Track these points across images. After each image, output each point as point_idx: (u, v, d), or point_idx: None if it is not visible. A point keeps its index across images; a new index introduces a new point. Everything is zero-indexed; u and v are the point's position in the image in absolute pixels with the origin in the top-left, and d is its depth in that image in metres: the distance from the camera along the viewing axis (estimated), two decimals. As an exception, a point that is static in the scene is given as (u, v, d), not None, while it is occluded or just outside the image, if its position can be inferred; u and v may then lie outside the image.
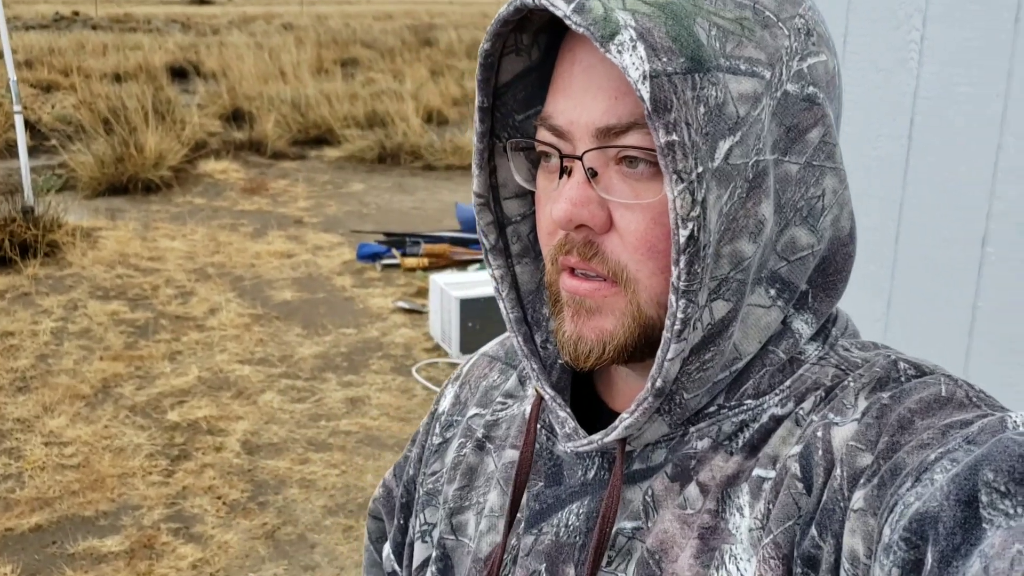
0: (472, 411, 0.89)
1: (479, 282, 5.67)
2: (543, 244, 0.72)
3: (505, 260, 0.78)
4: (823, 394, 0.68)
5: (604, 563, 0.70)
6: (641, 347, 0.68)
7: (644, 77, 0.59)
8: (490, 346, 0.96)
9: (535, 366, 0.76)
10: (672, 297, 0.63)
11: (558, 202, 0.65)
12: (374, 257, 7.44)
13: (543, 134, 0.68)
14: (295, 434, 4.58)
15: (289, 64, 16.25)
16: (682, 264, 0.62)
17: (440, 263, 7.24)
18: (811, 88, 0.68)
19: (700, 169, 0.61)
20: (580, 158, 0.65)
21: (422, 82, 15.49)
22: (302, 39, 21.39)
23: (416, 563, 0.88)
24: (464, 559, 0.82)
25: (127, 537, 3.68)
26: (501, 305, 0.78)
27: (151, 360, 5.42)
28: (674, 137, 0.59)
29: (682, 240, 0.61)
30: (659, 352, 0.65)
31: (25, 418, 4.68)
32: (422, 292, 6.62)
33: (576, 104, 0.65)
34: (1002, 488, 0.45)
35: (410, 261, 7.21)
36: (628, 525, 0.70)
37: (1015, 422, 0.52)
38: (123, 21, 33.45)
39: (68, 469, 4.19)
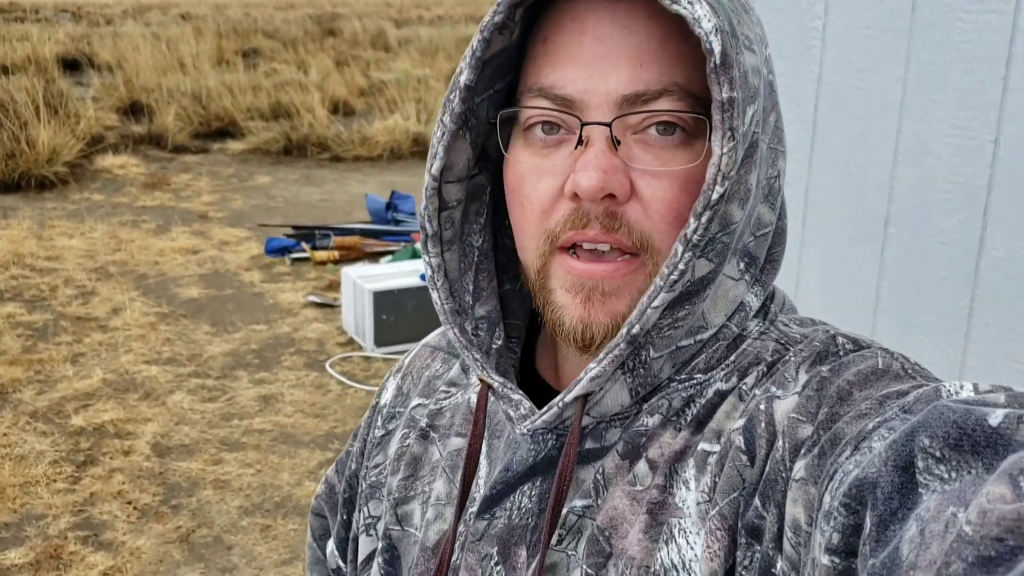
0: (415, 401, 0.88)
1: (392, 274, 5.62)
2: (532, 224, 0.69)
3: (439, 248, 0.75)
4: (765, 369, 0.69)
5: (555, 542, 0.70)
6: None
7: (716, 30, 0.59)
8: (431, 336, 0.95)
9: (477, 355, 0.75)
10: (679, 246, 0.63)
11: (585, 171, 0.63)
12: (283, 251, 7.30)
13: (542, 103, 0.66)
14: (207, 434, 4.46)
15: (188, 55, 15.80)
16: (704, 219, 0.62)
17: (351, 256, 7.15)
18: (771, 75, 0.70)
19: (743, 130, 0.62)
20: (609, 125, 0.64)
21: (327, 72, 15.26)
22: (201, 29, 20.82)
23: (361, 557, 0.87)
24: (411, 549, 0.81)
25: (32, 548, 3.53)
26: (435, 295, 0.76)
27: (52, 363, 5.21)
28: (735, 94, 0.60)
29: (714, 196, 0.62)
30: (644, 298, 0.65)
31: (-84, 429, 4.45)
32: (333, 286, 6.53)
33: (591, 73, 0.64)
34: (937, 454, 0.46)
35: (320, 254, 7.11)
36: (579, 504, 0.70)
37: (949, 391, 0.54)
38: (8, 10, 32.01)
39: (-35, 480, 4.00)
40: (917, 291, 1.80)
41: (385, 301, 5.36)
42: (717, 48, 0.59)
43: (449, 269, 0.76)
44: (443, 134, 0.71)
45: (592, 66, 0.65)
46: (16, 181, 9.07)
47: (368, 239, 7.35)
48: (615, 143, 0.64)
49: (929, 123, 1.73)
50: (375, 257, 7.10)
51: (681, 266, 0.63)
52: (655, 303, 0.64)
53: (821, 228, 2.00)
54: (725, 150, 0.61)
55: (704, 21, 0.59)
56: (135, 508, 3.82)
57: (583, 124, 0.65)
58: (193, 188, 9.63)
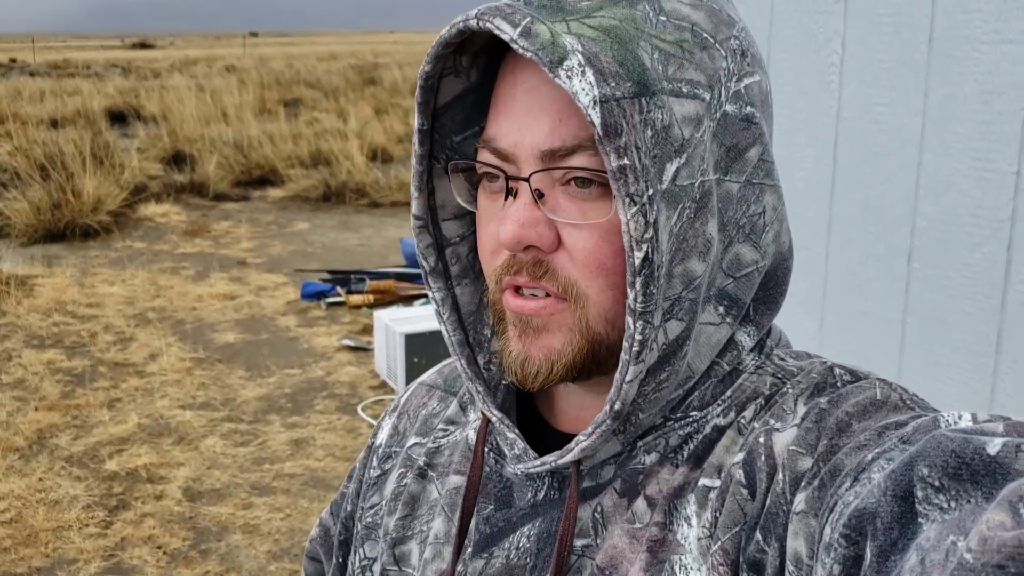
0: (412, 440, 0.88)
1: (424, 317, 5.63)
2: (485, 264, 0.72)
3: (445, 282, 0.77)
4: (763, 402, 0.69)
5: None
6: (588, 365, 0.68)
7: (595, 102, 0.59)
8: (428, 375, 0.95)
9: (480, 388, 0.76)
10: (629, 319, 0.63)
11: (505, 223, 0.65)
12: (319, 296, 7.36)
13: (486, 155, 0.68)
14: (238, 479, 4.47)
15: (231, 105, 16.17)
16: (638, 286, 0.62)
17: (386, 299, 7.18)
18: (748, 108, 0.69)
19: (651, 191, 0.61)
20: (527, 180, 0.65)
21: (366, 120, 15.51)
22: (244, 81, 21.32)
23: None
24: None
25: (62, 593, 3.54)
26: (442, 328, 0.78)
27: (88, 409, 5.28)
28: (625, 161, 0.60)
29: (637, 262, 0.62)
30: (617, 375, 0.65)
31: (-45, 473, 4.51)
32: (368, 329, 6.55)
33: (520, 126, 0.65)
34: (936, 483, 0.47)
35: (355, 298, 7.15)
36: (578, 543, 0.70)
37: (947, 421, 0.54)
38: (61, 67, 33.08)
39: None
40: (943, 327, 1.75)
41: (416, 344, 5.36)
42: (597, 120, 0.59)
43: (463, 303, 0.78)
44: (414, 175, 0.74)
45: (520, 119, 0.66)
46: (62, 230, 9.28)
47: (402, 283, 7.39)
48: (538, 196, 0.66)
49: (950, 156, 1.70)
50: (409, 300, 7.13)
51: (638, 336, 0.63)
52: (628, 378, 0.64)
53: (844, 264, 1.97)
54: (629, 216, 0.61)
55: (582, 95, 0.59)
56: (164, 553, 3.82)
57: (507, 178, 0.67)
58: (233, 235, 9.77)
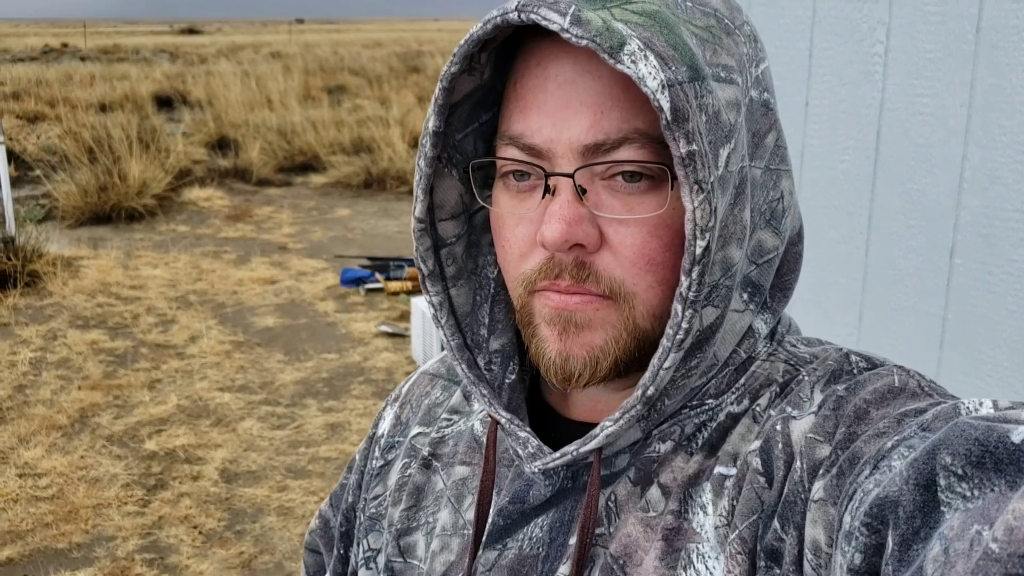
0: (415, 430, 0.86)
1: (461, 305, 5.64)
2: (512, 266, 0.68)
3: (442, 285, 0.75)
4: (778, 389, 0.68)
5: (568, 572, 0.68)
6: (632, 362, 0.67)
7: (663, 86, 0.57)
8: (430, 364, 0.93)
9: (485, 391, 0.74)
10: (678, 306, 0.62)
11: (550, 222, 0.62)
12: (358, 282, 7.40)
13: (512, 153, 0.66)
14: (274, 461, 4.52)
15: (276, 92, 16.30)
16: (694, 275, 0.61)
17: (424, 287, 7.20)
18: (766, 94, 0.68)
19: (712, 178, 0.60)
20: (572, 176, 0.63)
21: (409, 108, 15.55)
22: (290, 67, 21.48)
23: None
24: None
25: (100, 569, 3.61)
26: (441, 332, 0.75)
27: (130, 389, 5.36)
28: (694, 147, 0.58)
29: (699, 251, 0.60)
30: (655, 360, 0.64)
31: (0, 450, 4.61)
32: (405, 316, 6.58)
33: (555, 121, 0.63)
34: (959, 471, 0.46)
35: (394, 285, 7.18)
36: None
37: (968, 408, 0.53)
38: (111, 52, 33.60)
39: (42, 501, 4.12)
40: (984, 324, 1.71)
41: (453, 332, 5.37)
42: (667, 105, 0.57)
43: (458, 304, 0.76)
44: (420, 177, 0.70)
45: (556, 114, 0.63)
46: (108, 213, 9.43)
47: (441, 271, 7.40)
48: (581, 192, 0.63)
49: (995, 149, 1.65)
50: (447, 289, 7.14)
51: (684, 324, 0.62)
52: (666, 364, 0.63)
53: (885, 258, 1.93)
54: (696, 204, 0.59)
55: (649, 79, 0.57)
56: (200, 533, 3.88)
57: (547, 175, 0.64)
58: (274, 220, 9.86)
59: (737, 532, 0.62)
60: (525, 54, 0.66)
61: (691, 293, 0.61)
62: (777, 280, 0.73)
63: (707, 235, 0.60)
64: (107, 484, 4.27)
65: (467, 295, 0.76)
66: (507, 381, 0.76)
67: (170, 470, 4.42)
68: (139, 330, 6.35)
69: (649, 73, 0.57)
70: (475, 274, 0.77)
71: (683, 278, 0.61)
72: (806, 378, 0.67)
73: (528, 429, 0.72)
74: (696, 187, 0.59)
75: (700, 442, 0.68)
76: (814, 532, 0.56)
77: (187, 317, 6.63)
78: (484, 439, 0.81)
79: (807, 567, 0.57)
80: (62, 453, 4.57)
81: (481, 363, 0.76)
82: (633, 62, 0.57)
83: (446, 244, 0.74)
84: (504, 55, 0.69)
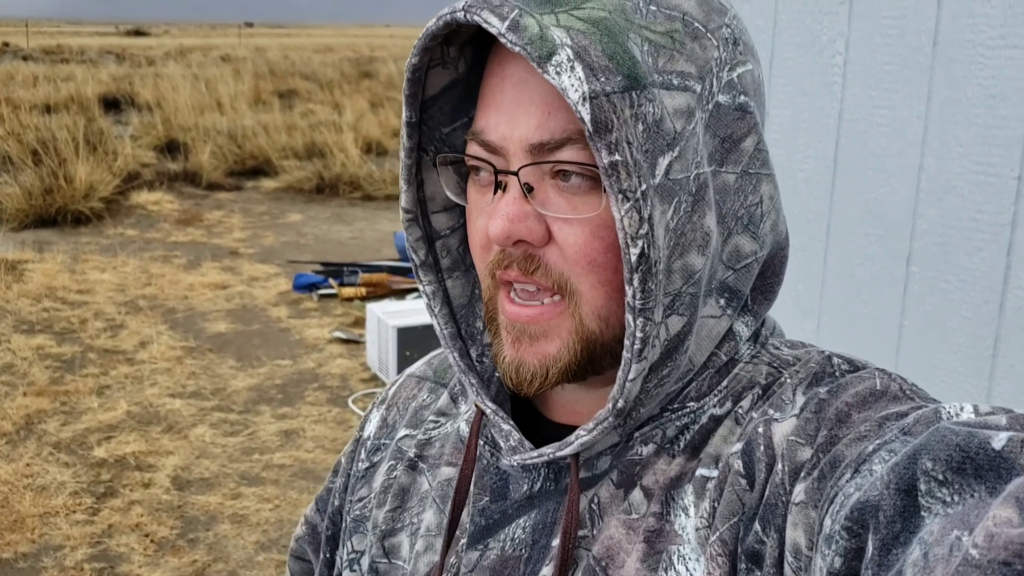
0: (402, 432, 0.87)
1: (417, 310, 5.62)
2: (477, 258, 0.71)
3: (436, 275, 0.76)
4: (760, 392, 0.69)
5: (551, 574, 0.69)
6: (584, 366, 0.67)
7: (584, 98, 0.58)
8: (417, 366, 0.94)
9: (473, 381, 0.75)
10: (629, 317, 0.63)
11: (494, 218, 0.64)
12: (311, 287, 7.34)
13: (474, 149, 0.67)
14: (227, 468, 4.46)
15: (226, 95, 16.10)
16: (636, 283, 0.61)
17: (378, 292, 7.17)
18: (742, 97, 0.68)
19: (644, 187, 0.60)
20: (516, 173, 0.64)
21: (361, 113, 15.46)
22: (240, 71, 21.23)
23: None
24: None
25: (48, 579, 3.53)
26: (434, 321, 0.77)
27: (78, 395, 5.25)
28: (617, 157, 0.59)
29: (633, 258, 0.61)
30: (620, 373, 0.64)
31: (-58, 457, 4.48)
32: (359, 322, 6.54)
33: (509, 119, 0.64)
34: (940, 477, 0.46)
35: (348, 291, 7.13)
36: None
37: (949, 413, 0.53)
38: (55, 52, 32.89)
39: (-14, 509, 4.02)
40: (940, 331, 1.75)
41: (409, 337, 5.35)
42: (587, 117, 0.58)
43: (454, 296, 0.77)
44: (402, 167, 0.73)
45: (510, 112, 0.65)
46: (53, 216, 9.23)
47: (395, 276, 7.37)
48: (528, 190, 0.65)
49: (951, 160, 1.70)
50: (402, 294, 7.11)
51: (639, 334, 0.63)
52: (631, 376, 0.64)
53: (843, 265, 1.97)
54: (623, 212, 0.60)
55: (571, 91, 0.58)
56: (152, 541, 3.81)
57: (496, 172, 0.66)
58: (225, 225, 9.74)
59: (718, 534, 0.63)
60: (493, 52, 0.68)
61: (637, 302, 0.62)
62: (760, 283, 0.73)
63: (639, 243, 0.60)
64: (54, 492, 4.18)
65: (464, 287, 0.78)
66: (496, 375, 0.77)
67: (120, 477, 4.34)
68: (87, 335, 6.23)
69: (572, 85, 0.58)
70: (473, 267, 0.77)
71: (626, 287, 0.62)
72: (788, 380, 0.68)
73: (511, 423, 0.73)
74: (621, 196, 0.60)
75: (682, 444, 0.69)
76: (795, 535, 0.57)
77: (136, 322, 6.52)
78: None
79: (787, 570, 0.57)
80: (7, 460, 4.46)
81: (473, 354, 0.77)
82: (558, 73, 0.58)
83: (440, 236, 0.76)
84: (487, 51, 0.70)
